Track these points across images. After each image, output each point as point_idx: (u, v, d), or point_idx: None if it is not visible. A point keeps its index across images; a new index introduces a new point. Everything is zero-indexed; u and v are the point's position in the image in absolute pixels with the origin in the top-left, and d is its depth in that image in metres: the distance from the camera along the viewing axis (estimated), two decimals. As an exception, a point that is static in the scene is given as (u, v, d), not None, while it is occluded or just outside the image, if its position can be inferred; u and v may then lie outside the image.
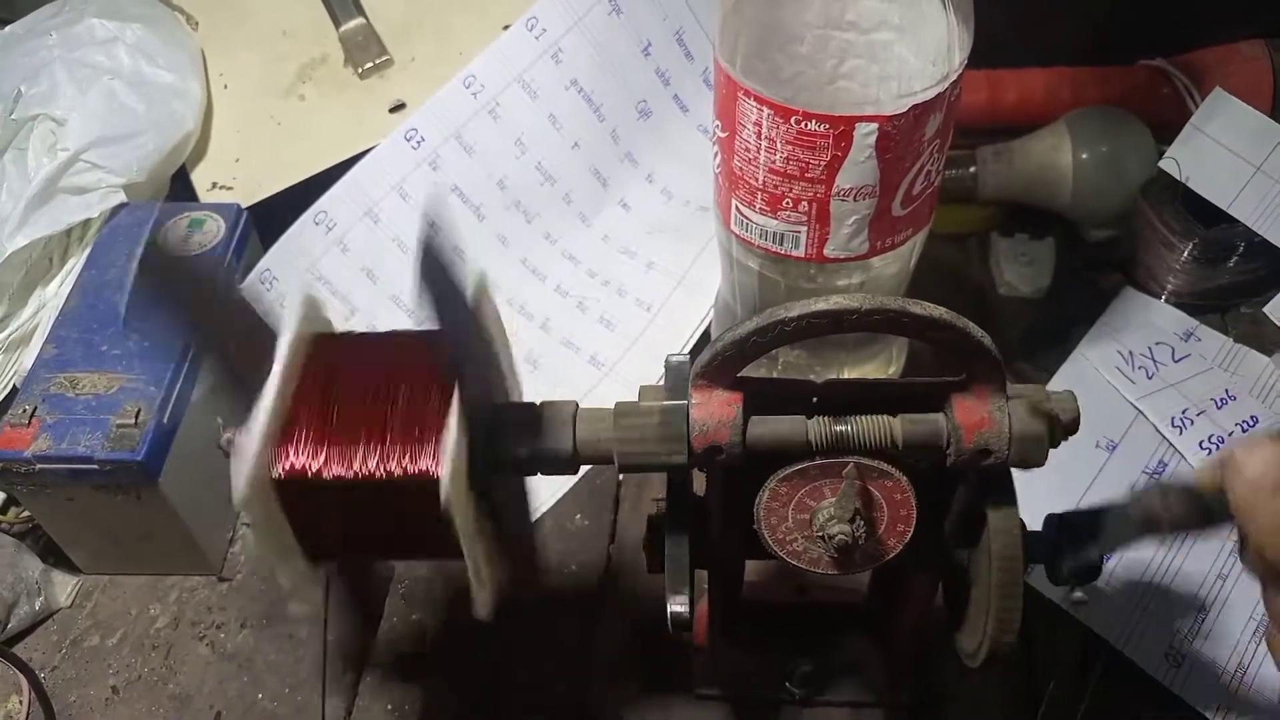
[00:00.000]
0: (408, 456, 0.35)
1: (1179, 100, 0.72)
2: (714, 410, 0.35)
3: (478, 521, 0.35)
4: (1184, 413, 0.61)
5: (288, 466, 0.35)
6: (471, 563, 0.35)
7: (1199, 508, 0.36)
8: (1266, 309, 0.65)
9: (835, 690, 0.51)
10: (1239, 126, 0.66)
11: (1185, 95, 0.72)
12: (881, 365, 0.60)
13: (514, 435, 0.37)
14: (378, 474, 0.35)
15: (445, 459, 0.33)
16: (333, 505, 0.36)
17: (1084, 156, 0.67)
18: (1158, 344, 0.65)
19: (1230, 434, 0.60)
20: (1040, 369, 0.65)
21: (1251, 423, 0.61)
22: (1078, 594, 0.40)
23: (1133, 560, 0.55)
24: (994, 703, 0.52)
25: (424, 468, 0.35)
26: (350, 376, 0.36)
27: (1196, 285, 0.67)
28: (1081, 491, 0.58)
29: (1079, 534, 0.39)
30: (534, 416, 0.37)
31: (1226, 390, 0.63)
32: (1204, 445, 0.60)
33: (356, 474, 0.35)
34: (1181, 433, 0.60)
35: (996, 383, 0.35)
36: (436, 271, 0.34)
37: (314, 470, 0.35)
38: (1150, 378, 0.63)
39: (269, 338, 0.36)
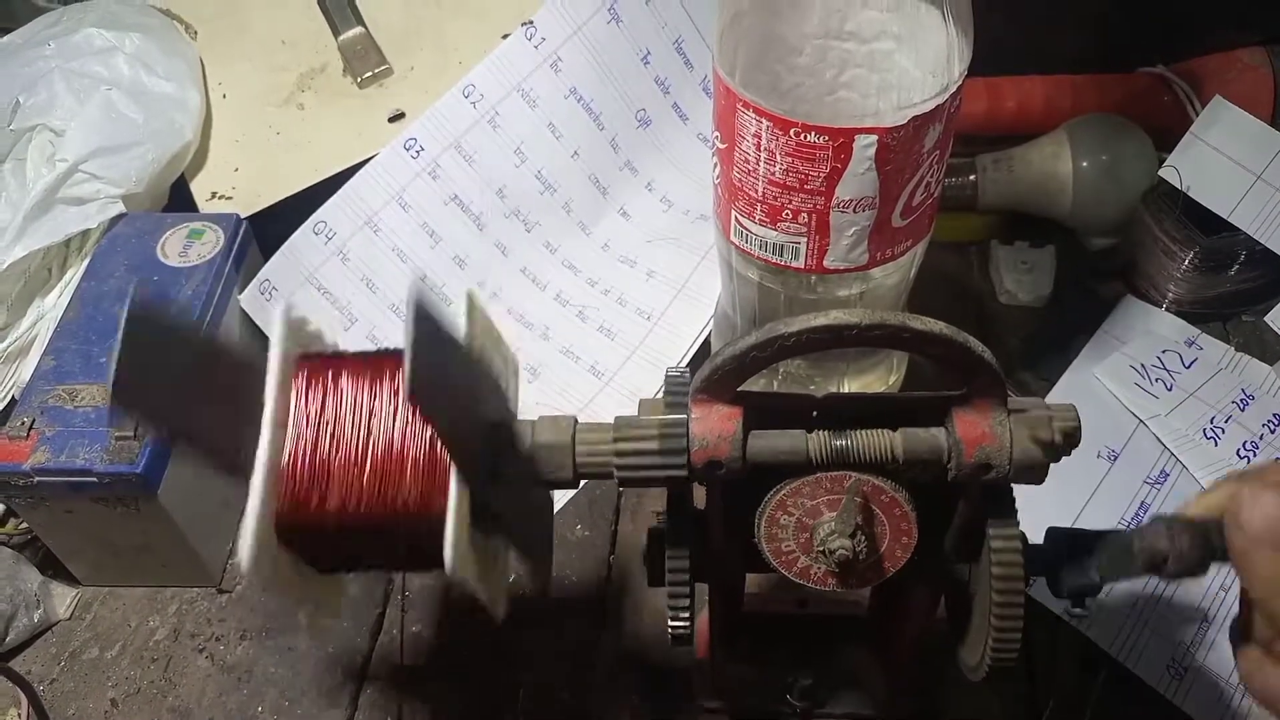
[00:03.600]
0: (410, 498, 0.35)
1: (1179, 108, 0.72)
2: (714, 425, 0.35)
3: (485, 552, 0.35)
4: (1213, 421, 0.61)
5: (288, 521, 0.35)
6: (484, 593, 0.35)
7: (1205, 548, 0.34)
8: (1268, 317, 0.65)
9: (836, 703, 0.51)
10: (1239, 134, 0.67)
11: (1186, 103, 0.72)
12: (882, 376, 0.60)
13: (512, 454, 0.36)
14: (379, 521, 0.35)
15: (447, 536, 0.33)
16: (336, 544, 0.36)
17: (1084, 165, 0.67)
18: (1165, 352, 0.65)
19: (1260, 436, 0.60)
20: (1041, 378, 0.65)
21: (1275, 422, 0.61)
22: (1078, 610, 0.39)
23: (1134, 571, 0.55)
24: (995, 715, 0.52)
25: (427, 508, 0.34)
26: (341, 414, 0.36)
27: (1198, 293, 0.67)
28: (1083, 502, 0.58)
29: (1082, 559, 0.38)
30: (532, 433, 0.37)
31: (1243, 390, 0.63)
32: (1241, 454, 0.60)
33: (357, 518, 0.35)
34: (1217, 443, 0.60)
35: (998, 397, 0.35)
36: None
37: (315, 520, 0.35)
38: (1170, 389, 0.63)
39: (255, 374, 0.36)
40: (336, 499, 0.35)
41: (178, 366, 0.35)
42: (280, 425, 0.35)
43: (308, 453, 0.35)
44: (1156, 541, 0.35)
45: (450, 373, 0.33)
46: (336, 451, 0.35)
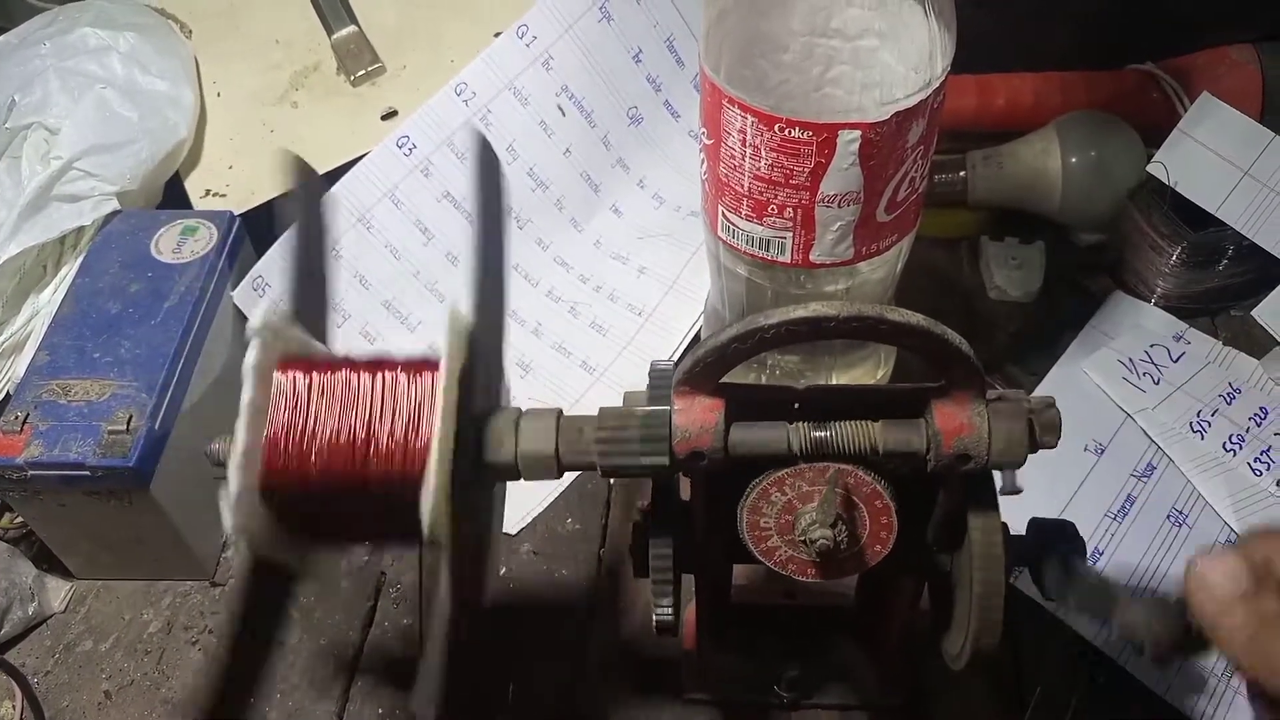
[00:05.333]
0: (390, 455, 0.35)
1: (1168, 105, 0.72)
2: (696, 416, 0.35)
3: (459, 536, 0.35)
4: (1199, 415, 0.62)
5: (269, 473, 0.35)
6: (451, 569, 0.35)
7: (1181, 630, 0.33)
8: (1255, 312, 0.66)
9: (824, 693, 0.52)
10: (1227, 131, 0.67)
11: (1174, 100, 0.72)
12: (870, 370, 0.61)
13: (496, 442, 0.37)
14: (360, 471, 0.35)
15: (428, 485, 0.34)
16: (317, 504, 0.36)
17: (1073, 161, 0.67)
18: (1153, 346, 0.65)
19: (1247, 430, 0.61)
20: (1029, 372, 0.65)
21: (1262, 415, 0.62)
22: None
23: (1120, 564, 0.56)
24: (982, 705, 0.52)
25: (407, 466, 0.35)
26: (328, 390, 0.36)
27: (1186, 289, 0.67)
28: (1070, 495, 0.58)
29: (1068, 578, 0.38)
30: (517, 425, 0.37)
31: (1230, 384, 0.63)
32: (1228, 447, 0.60)
33: (338, 470, 0.35)
34: (1203, 437, 0.61)
35: (975, 388, 0.35)
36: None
37: (296, 474, 0.35)
38: (1157, 383, 0.63)
39: None
40: (319, 460, 0.35)
41: None
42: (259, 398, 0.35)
43: (290, 416, 0.35)
44: (1135, 629, 0.35)
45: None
46: (321, 420, 0.35)
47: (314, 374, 0.36)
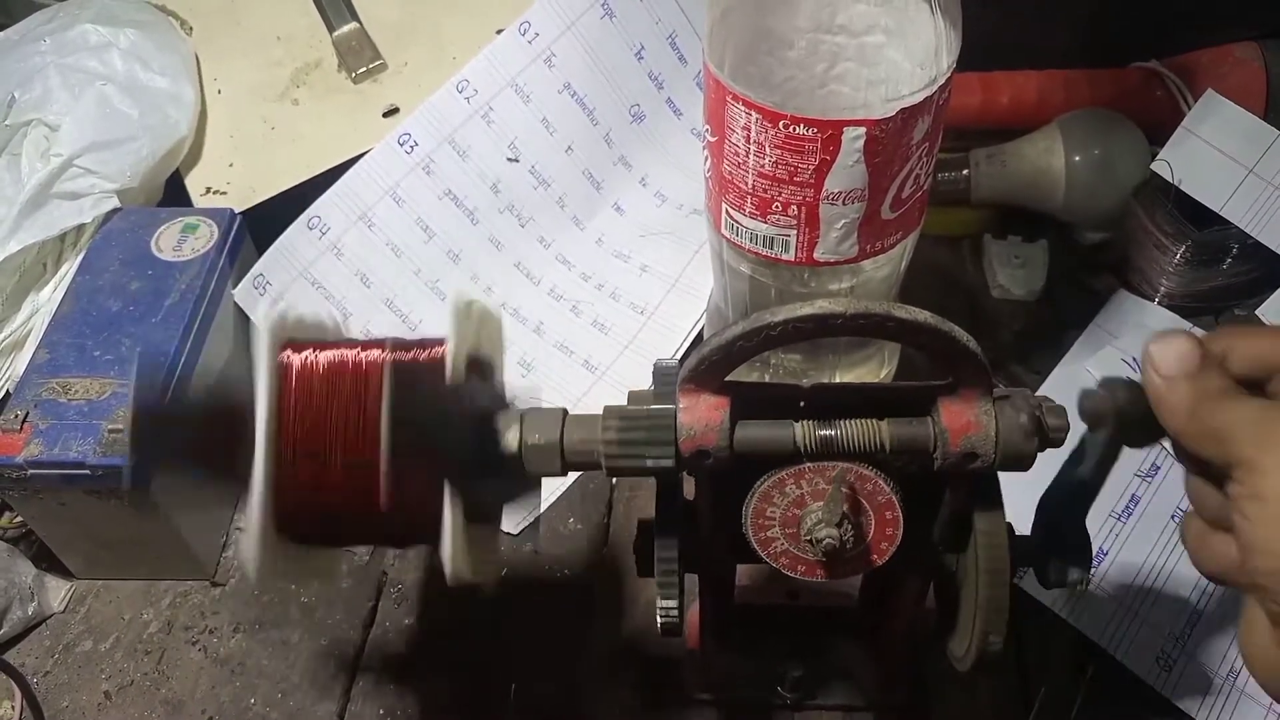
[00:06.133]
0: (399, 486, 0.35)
1: (1172, 102, 0.72)
2: (701, 414, 0.35)
3: (475, 540, 0.35)
4: None
5: (285, 513, 0.35)
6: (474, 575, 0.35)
7: (1144, 401, 0.35)
8: (1259, 311, 0.65)
9: (827, 694, 0.51)
10: (1231, 128, 0.67)
11: (1178, 97, 0.72)
12: (874, 368, 0.60)
13: (502, 440, 0.36)
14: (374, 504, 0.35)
15: (445, 549, 0.34)
16: (330, 529, 0.36)
17: (1077, 159, 0.67)
18: (1155, 345, 0.65)
19: None
20: (1033, 371, 0.65)
21: None
22: (1074, 574, 0.39)
23: (1125, 563, 0.55)
24: (986, 706, 0.52)
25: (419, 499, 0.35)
26: (331, 414, 0.36)
27: (1190, 287, 0.67)
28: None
29: (1065, 493, 0.39)
30: (521, 424, 0.37)
31: None
32: None
33: (351, 504, 0.35)
34: None
35: (983, 386, 0.35)
36: None
37: (310, 509, 0.35)
38: None
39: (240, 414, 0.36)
40: (331, 483, 0.35)
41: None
42: (273, 424, 0.35)
43: (300, 444, 0.35)
44: (1098, 401, 0.36)
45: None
46: (329, 441, 0.35)
47: (310, 404, 0.36)
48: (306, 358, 0.36)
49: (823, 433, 0.35)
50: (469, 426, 0.36)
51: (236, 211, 0.63)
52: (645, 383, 0.37)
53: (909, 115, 0.45)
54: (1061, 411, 0.36)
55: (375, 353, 0.37)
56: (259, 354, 0.35)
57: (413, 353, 0.37)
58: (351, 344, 0.37)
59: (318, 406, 0.35)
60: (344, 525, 0.36)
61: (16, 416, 0.52)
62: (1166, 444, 0.60)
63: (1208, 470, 0.33)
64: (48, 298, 0.62)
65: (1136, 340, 0.65)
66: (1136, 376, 0.62)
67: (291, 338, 0.37)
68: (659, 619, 0.40)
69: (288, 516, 0.35)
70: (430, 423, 0.35)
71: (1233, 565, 0.33)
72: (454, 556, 0.34)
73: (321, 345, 0.37)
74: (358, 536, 0.38)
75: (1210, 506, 0.34)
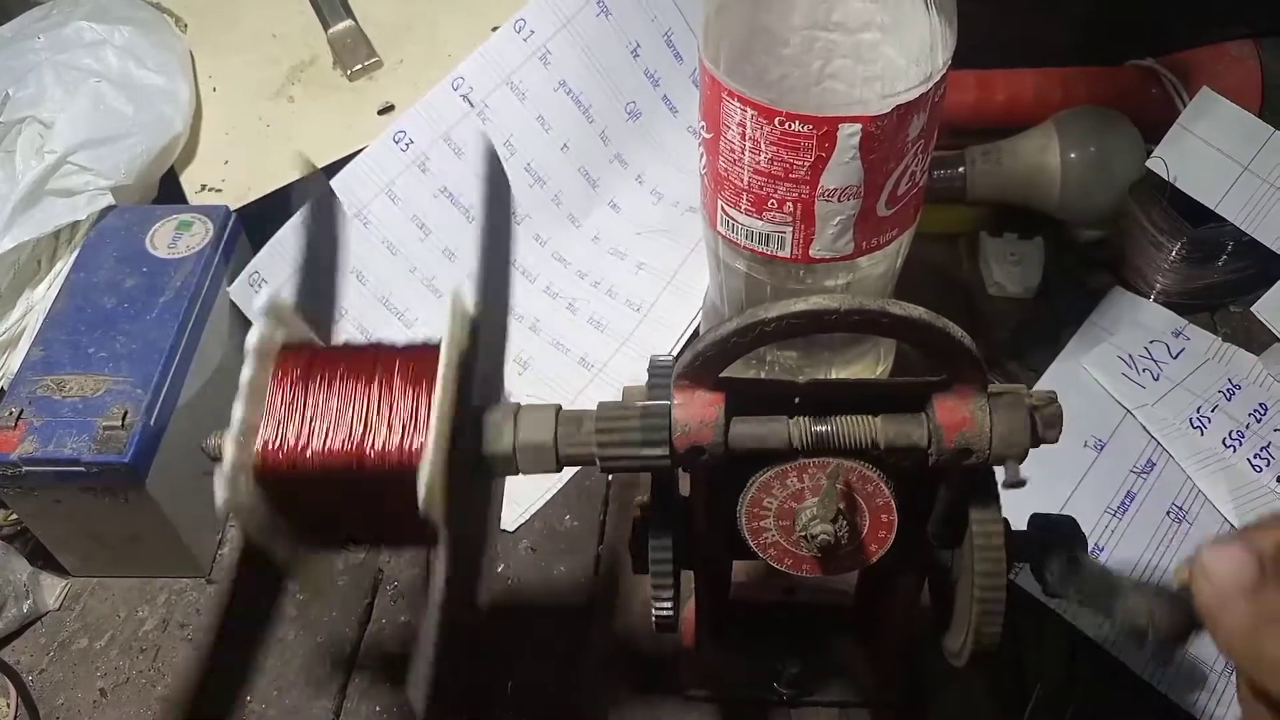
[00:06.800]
0: (387, 441, 0.35)
1: (1167, 100, 0.72)
2: (696, 410, 0.35)
3: (455, 518, 0.35)
4: (1199, 410, 0.61)
5: (264, 453, 0.35)
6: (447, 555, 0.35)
7: (1185, 618, 0.33)
8: (1255, 308, 0.65)
9: (823, 691, 0.51)
10: (1227, 126, 0.67)
11: (1174, 95, 0.72)
12: (869, 365, 0.60)
13: (495, 435, 0.36)
14: (356, 456, 0.34)
15: (425, 459, 0.33)
16: (312, 493, 0.36)
17: (1072, 156, 0.67)
18: (1152, 342, 0.65)
19: (1246, 426, 0.61)
20: (1029, 369, 0.65)
21: (1261, 411, 0.61)
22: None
23: (1120, 560, 0.55)
24: (982, 702, 0.52)
25: (403, 453, 0.34)
26: (327, 375, 0.36)
27: (1185, 284, 0.67)
28: (1070, 491, 0.58)
29: (1070, 567, 0.38)
30: (516, 420, 0.37)
31: (1229, 380, 0.63)
32: (1227, 443, 0.60)
33: (334, 454, 0.35)
34: (1203, 433, 0.60)
35: (977, 383, 0.35)
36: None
37: (291, 457, 0.35)
38: (1157, 379, 0.63)
39: None
40: (315, 449, 0.35)
41: None
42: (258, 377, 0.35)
43: (288, 401, 0.35)
44: (1137, 617, 0.34)
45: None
46: (319, 407, 0.35)
47: (314, 359, 0.36)
48: (299, 356, 0.36)
49: (817, 429, 0.35)
50: (462, 419, 0.36)
51: (231, 209, 0.63)
52: (642, 380, 0.37)
53: (904, 112, 0.45)
54: (1056, 408, 0.36)
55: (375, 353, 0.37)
56: (252, 333, 0.35)
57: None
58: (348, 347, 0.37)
59: (309, 394, 0.35)
60: (324, 491, 0.36)
61: (11, 414, 0.52)
62: (1165, 446, 0.60)
63: (1266, 698, 0.30)
64: (42, 295, 0.62)
65: (1132, 337, 0.66)
66: (1134, 378, 0.63)
67: (288, 337, 0.37)
68: (654, 616, 0.40)
69: (269, 472, 0.35)
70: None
71: None
72: (429, 492, 0.33)
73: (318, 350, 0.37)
74: (339, 508, 0.38)
75: None
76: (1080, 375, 0.64)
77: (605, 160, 0.71)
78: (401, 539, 0.37)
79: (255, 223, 0.64)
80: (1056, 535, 0.39)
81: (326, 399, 0.35)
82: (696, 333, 0.66)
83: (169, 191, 0.68)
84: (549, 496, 0.61)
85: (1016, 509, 0.39)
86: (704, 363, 0.35)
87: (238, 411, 0.34)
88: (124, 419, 0.51)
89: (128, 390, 0.53)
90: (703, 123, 0.50)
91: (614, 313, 0.68)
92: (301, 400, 0.35)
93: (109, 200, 0.62)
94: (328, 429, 0.35)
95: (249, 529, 0.35)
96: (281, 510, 0.36)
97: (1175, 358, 0.65)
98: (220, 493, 0.34)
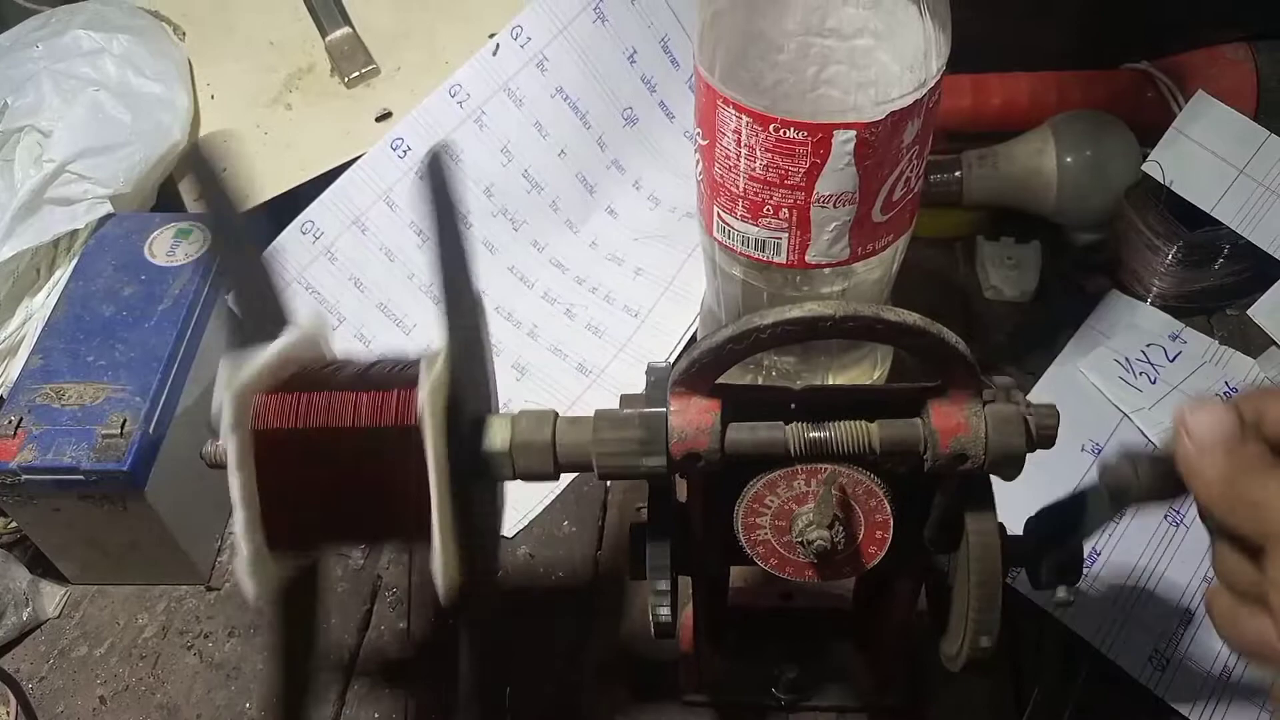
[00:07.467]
0: (381, 410, 0.35)
1: (1163, 103, 0.72)
2: (692, 417, 0.35)
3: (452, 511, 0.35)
4: None
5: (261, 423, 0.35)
6: (441, 542, 0.35)
7: (1167, 474, 0.34)
8: (1251, 311, 0.66)
9: (821, 695, 0.52)
10: (1222, 129, 0.67)
11: (1169, 98, 0.72)
12: (867, 370, 0.61)
13: (493, 444, 0.37)
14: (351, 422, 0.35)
15: (423, 379, 0.34)
16: (316, 526, 0.36)
17: (1068, 160, 0.67)
18: (1149, 346, 0.65)
19: None
20: (1026, 372, 0.65)
21: None
22: (1061, 594, 0.39)
23: (1117, 564, 0.56)
24: (979, 706, 0.52)
25: (400, 415, 0.35)
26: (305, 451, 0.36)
27: (1182, 288, 0.67)
28: (1066, 495, 0.58)
29: (1057, 525, 0.39)
30: (513, 428, 0.37)
31: (1226, 383, 0.63)
32: None
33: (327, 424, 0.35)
34: None
35: (973, 388, 0.35)
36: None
37: (296, 509, 0.35)
38: (1154, 382, 0.63)
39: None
40: (320, 481, 0.35)
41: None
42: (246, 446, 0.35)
43: (279, 458, 0.35)
44: (1120, 476, 0.35)
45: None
46: (311, 450, 0.35)
47: (290, 439, 0.35)
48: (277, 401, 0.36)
49: (813, 435, 0.35)
50: (460, 428, 0.36)
51: (230, 216, 0.63)
52: (640, 385, 0.37)
53: (899, 118, 0.45)
54: (1052, 413, 0.36)
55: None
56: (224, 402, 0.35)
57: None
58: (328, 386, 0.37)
59: (295, 432, 0.35)
60: (333, 523, 0.36)
61: (10, 422, 0.52)
62: (1160, 447, 0.60)
63: (1241, 543, 0.32)
64: (41, 303, 0.62)
65: (1129, 340, 0.66)
66: (1131, 381, 0.63)
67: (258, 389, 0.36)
68: (653, 621, 0.40)
69: (277, 530, 0.35)
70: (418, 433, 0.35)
71: (1267, 644, 0.31)
72: (445, 564, 0.34)
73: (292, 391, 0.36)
74: (348, 531, 0.38)
75: (1242, 581, 0.32)
76: (1077, 379, 0.64)
77: (602, 166, 0.71)
78: (397, 527, 0.37)
79: (254, 230, 0.64)
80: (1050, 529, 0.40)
81: (315, 450, 0.35)
82: (694, 338, 0.66)
83: (167, 200, 0.68)
84: (548, 502, 0.61)
85: (1012, 514, 0.39)
86: (700, 370, 0.35)
87: (239, 505, 0.34)
88: (123, 427, 0.51)
89: (126, 398, 0.53)
90: (698, 129, 0.50)
91: (612, 318, 0.68)
92: (293, 459, 0.35)
93: (107, 208, 0.62)
94: (324, 486, 0.35)
95: (270, 598, 0.36)
96: (289, 550, 0.36)
97: (1172, 361, 0.65)
98: (250, 587, 0.35)
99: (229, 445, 0.34)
